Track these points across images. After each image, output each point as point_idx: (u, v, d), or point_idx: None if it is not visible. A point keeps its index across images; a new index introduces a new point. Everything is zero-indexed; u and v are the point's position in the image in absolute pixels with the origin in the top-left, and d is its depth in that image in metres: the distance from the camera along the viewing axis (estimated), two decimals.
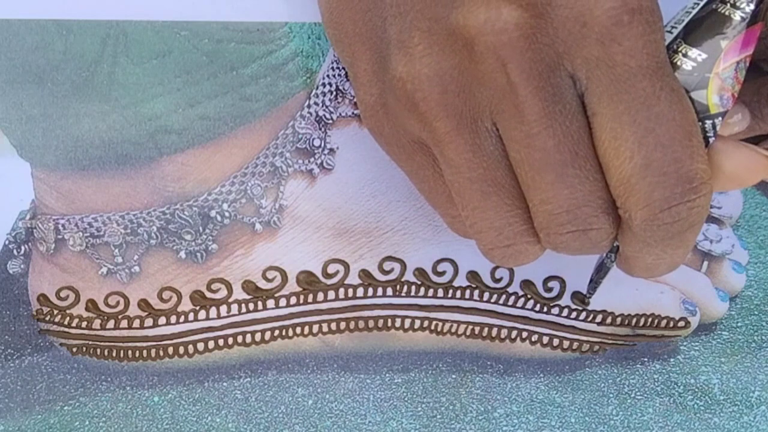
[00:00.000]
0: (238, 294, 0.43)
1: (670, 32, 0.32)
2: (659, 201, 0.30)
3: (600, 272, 0.38)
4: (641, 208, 0.30)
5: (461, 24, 0.30)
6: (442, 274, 0.43)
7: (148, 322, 0.43)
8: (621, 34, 0.29)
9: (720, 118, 0.32)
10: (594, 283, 0.39)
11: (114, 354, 0.44)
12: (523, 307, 0.43)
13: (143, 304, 0.43)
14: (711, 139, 0.32)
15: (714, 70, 0.31)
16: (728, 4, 0.31)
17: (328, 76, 0.44)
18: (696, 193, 0.30)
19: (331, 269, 0.43)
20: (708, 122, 0.32)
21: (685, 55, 0.31)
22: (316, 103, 0.43)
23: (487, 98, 0.31)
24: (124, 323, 0.43)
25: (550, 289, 0.43)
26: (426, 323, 0.43)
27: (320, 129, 0.43)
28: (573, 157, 0.30)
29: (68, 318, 0.43)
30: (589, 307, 0.43)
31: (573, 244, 0.32)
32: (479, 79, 0.31)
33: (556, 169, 0.31)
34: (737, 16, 0.31)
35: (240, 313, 0.43)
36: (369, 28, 0.33)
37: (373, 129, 0.35)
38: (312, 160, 0.43)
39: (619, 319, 0.43)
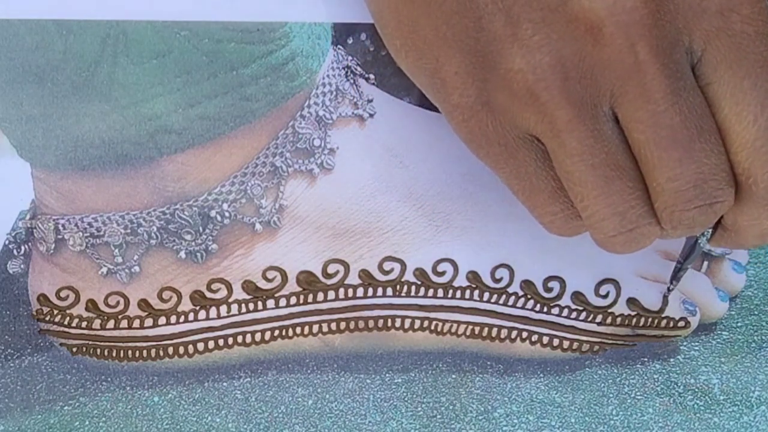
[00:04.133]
0: (238, 294, 0.43)
1: None
2: None
3: (691, 255, 0.38)
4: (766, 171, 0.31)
5: (586, 8, 0.31)
6: (442, 274, 0.43)
7: (148, 322, 0.43)
8: (739, 3, 0.30)
9: None
10: (681, 269, 0.39)
11: (114, 354, 0.44)
12: (523, 307, 0.43)
13: (143, 304, 0.43)
14: None
15: None
16: None
17: (328, 76, 0.44)
18: None
19: (331, 269, 0.43)
20: None
21: None
22: (316, 103, 0.43)
23: (609, 82, 0.31)
24: (124, 323, 0.43)
25: (550, 289, 0.43)
26: (426, 323, 0.43)
27: (320, 129, 0.43)
28: (699, 131, 0.31)
29: (68, 318, 0.43)
30: (590, 307, 0.43)
31: (699, 219, 0.33)
32: (603, 62, 0.31)
33: (683, 144, 0.31)
34: None
35: (240, 313, 0.43)
36: (457, 30, 0.33)
37: (473, 130, 0.34)
38: (312, 160, 0.43)
39: (619, 319, 0.43)
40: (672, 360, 0.44)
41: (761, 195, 0.32)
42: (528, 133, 0.33)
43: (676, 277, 0.41)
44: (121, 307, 0.43)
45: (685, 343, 0.44)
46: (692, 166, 0.31)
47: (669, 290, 0.42)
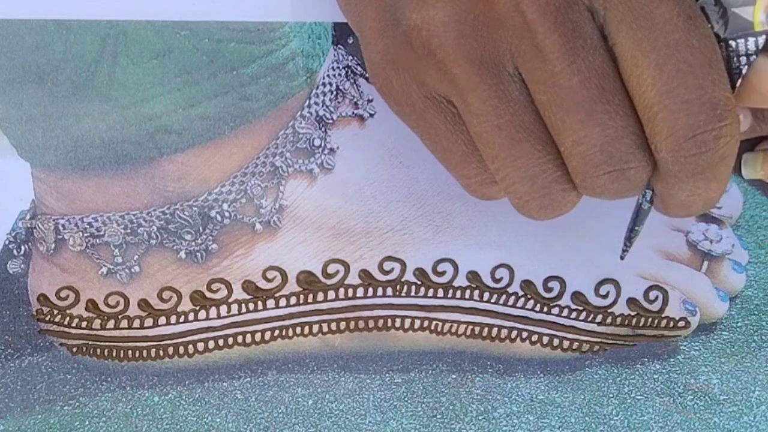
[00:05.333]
0: (238, 294, 0.43)
1: None
2: (683, 129, 0.30)
3: (637, 218, 0.36)
4: (666, 137, 0.30)
5: None
6: (442, 274, 0.43)
7: (148, 322, 0.43)
8: None
9: (763, 37, 0.31)
10: (631, 231, 0.37)
11: (114, 354, 0.44)
12: (523, 307, 0.43)
13: (143, 304, 0.43)
14: (752, 57, 0.31)
15: None
16: None
17: (328, 76, 0.44)
18: (721, 121, 0.30)
19: (331, 269, 0.43)
20: (751, 40, 0.31)
21: None
22: (316, 103, 0.43)
23: (506, 41, 0.30)
24: (124, 323, 0.43)
25: (550, 289, 0.43)
26: (426, 323, 0.43)
27: (320, 129, 0.43)
28: (600, 92, 0.30)
29: (68, 318, 0.43)
30: (590, 306, 0.43)
31: (611, 186, 0.31)
32: (497, 21, 0.30)
33: (584, 106, 0.30)
34: None
35: (240, 313, 0.43)
36: None
37: (381, 88, 0.34)
38: (312, 160, 0.43)
39: (619, 319, 0.43)
40: (672, 360, 0.44)
41: (666, 165, 0.31)
42: (437, 93, 0.33)
43: (628, 240, 0.38)
44: (121, 307, 0.43)
45: (685, 343, 0.44)
46: (596, 128, 0.30)
47: (622, 256, 0.39)
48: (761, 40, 0.31)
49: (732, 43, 0.31)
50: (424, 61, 0.31)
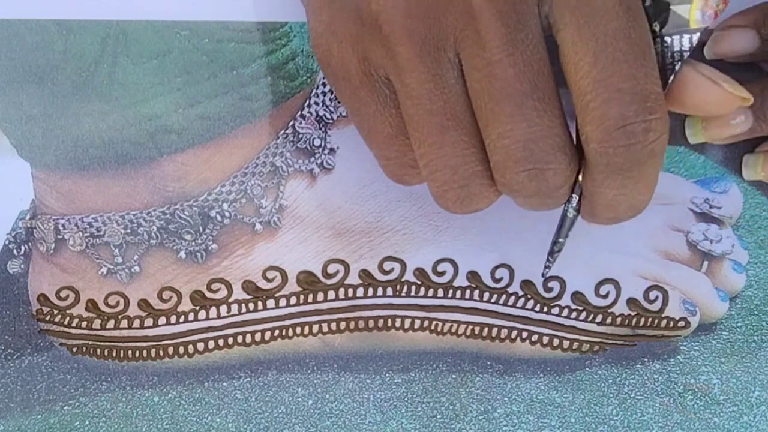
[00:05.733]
0: (238, 294, 0.43)
1: None
2: (614, 118, 0.30)
3: (562, 228, 0.36)
4: (596, 127, 0.30)
5: None
6: (442, 274, 0.43)
7: (148, 322, 0.43)
8: None
9: (698, 34, 0.32)
10: (554, 244, 0.36)
11: (114, 354, 0.44)
12: (523, 307, 0.43)
13: (143, 304, 0.43)
14: (686, 54, 0.32)
15: None
16: None
17: None
18: (651, 114, 0.30)
19: (331, 269, 0.43)
20: (686, 37, 0.31)
21: None
22: (316, 103, 0.43)
23: (452, 25, 0.30)
24: (124, 323, 0.43)
25: (550, 289, 0.43)
26: (426, 323, 0.43)
27: (320, 129, 0.43)
28: (533, 88, 0.30)
29: (68, 318, 0.43)
30: (590, 306, 0.43)
31: (529, 185, 0.31)
32: (446, 4, 0.30)
33: (515, 99, 0.30)
34: None
35: (240, 313, 0.43)
36: None
37: (321, 58, 0.34)
38: (312, 159, 0.43)
39: (619, 319, 0.43)
40: (672, 360, 0.44)
41: (596, 157, 0.31)
42: (376, 71, 0.33)
43: (551, 252, 0.37)
44: (121, 307, 0.43)
45: (685, 343, 0.44)
46: (522, 124, 0.30)
47: (544, 272, 0.39)
48: (695, 37, 0.31)
49: (667, 39, 0.31)
50: (369, 35, 0.32)
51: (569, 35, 0.30)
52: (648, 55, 0.30)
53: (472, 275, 0.43)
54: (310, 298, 0.43)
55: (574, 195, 0.33)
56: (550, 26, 0.31)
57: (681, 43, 0.32)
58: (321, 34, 0.33)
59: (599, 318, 0.43)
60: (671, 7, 0.31)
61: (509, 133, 0.31)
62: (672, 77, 0.32)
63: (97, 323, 0.43)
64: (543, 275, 0.38)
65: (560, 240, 0.36)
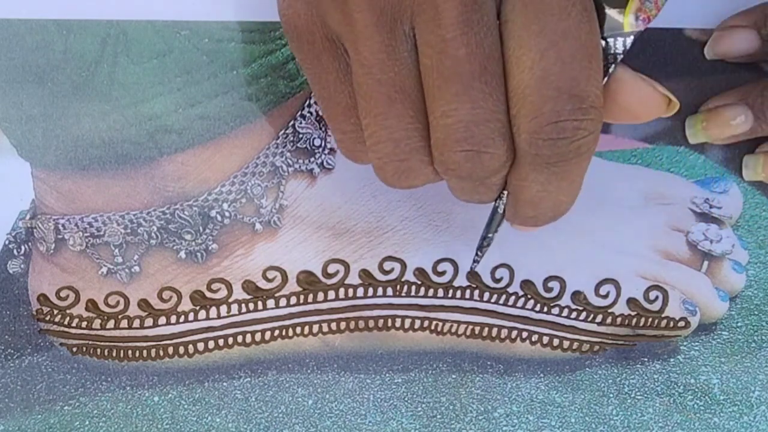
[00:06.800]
0: (238, 294, 0.43)
1: None
2: (548, 114, 0.30)
3: (491, 223, 0.36)
4: (530, 119, 0.30)
5: None
6: (442, 274, 0.43)
7: (148, 322, 0.43)
8: None
9: (631, 38, 0.32)
10: (484, 239, 0.37)
11: (114, 354, 0.44)
12: (523, 307, 0.43)
13: (143, 304, 0.43)
14: (619, 57, 0.32)
15: None
16: None
17: None
18: (584, 114, 0.30)
19: (331, 269, 0.43)
20: (619, 40, 0.32)
21: None
22: (316, 103, 0.43)
23: None
24: (124, 323, 0.43)
25: (550, 289, 0.43)
26: (426, 323, 0.43)
27: (321, 128, 0.43)
28: (481, 70, 0.30)
29: (68, 318, 0.43)
30: (590, 306, 0.43)
31: (465, 166, 0.32)
32: None
33: (463, 79, 0.30)
34: None
35: (240, 313, 0.43)
36: None
37: (287, 21, 0.34)
38: (312, 159, 0.43)
39: (619, 319, 0.43)
40: (672, 360, 0.44)
41: (525, 147, 0.31)
42: (336, 38, 0.33)
43: (480, 247, 0.38)
44: (121, 307, 0.43)
45: (685, 343, 0.44)
46: (467, 105, 0.31)
47: (472, 266, 0.40)
48: (629, 41, 0.32)
49: (602, 42, 0.32)
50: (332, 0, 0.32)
51: (516, 28, 0.30)
52: (595, 57, 0.30)
53: (472, 275, 0.43)
54: (310, 298, 0.43)
55: (505, 191, 0.34)
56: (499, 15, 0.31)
57: (615, 45, 0.32)
58: None
59: (599, 318, 0.43)
60: (606, 9, 0.32)
61: (453, 112, 0.31)
62: (606, 79, 0.32)
63: (97, 323, 0.43)
64: (471, 269, 0.39)
65: (489, 235, 0.37)
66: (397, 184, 0.34)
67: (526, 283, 0.43)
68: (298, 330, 0.43)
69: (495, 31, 0.30)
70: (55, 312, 0.44)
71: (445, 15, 0.30)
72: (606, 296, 0.43)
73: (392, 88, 0.32)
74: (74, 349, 0.44)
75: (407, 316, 0.43)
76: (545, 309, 0.43)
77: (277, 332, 0.43)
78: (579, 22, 0.30)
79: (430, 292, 0.43)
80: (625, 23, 0.32)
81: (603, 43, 0.32)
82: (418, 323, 0.43)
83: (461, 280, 0.43)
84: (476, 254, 0.38)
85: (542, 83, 0.30)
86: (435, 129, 0.32)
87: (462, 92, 0.30)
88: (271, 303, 0.43)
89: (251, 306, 0.43)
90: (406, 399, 0.43)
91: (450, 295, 0.43)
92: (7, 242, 0.45)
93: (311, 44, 0.33)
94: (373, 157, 0.33)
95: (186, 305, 0.43)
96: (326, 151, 0.43)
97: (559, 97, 0.30)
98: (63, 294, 0.43)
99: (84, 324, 0.43)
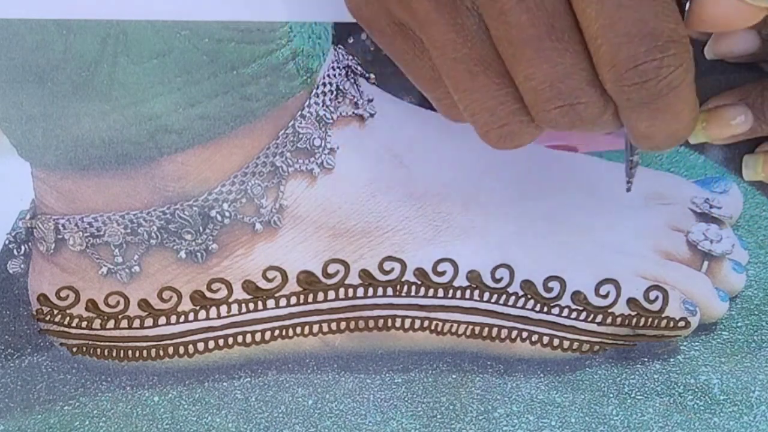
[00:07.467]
0: (238, 294, 0.43)
1: None
2: (624, 60, 0.30)
3: (632, 146, 0.37)
4: (608, 69, 0.30)
5: None
6: (442, 274, 0.43)
7: (148, 322, 0.43)
8: None
9: None
10: (630, 162, 0.37)
11: (114, 354, 0.44)
12: (523, 307, 0.43)
13: (143, 304, 0.43)
14: None
15: None
16: None
17: (328, 75, 0.44)
18: (663, 51, 0.30)
19: (331, 269, 0.43)
20: None
21: None
22: (316, 103, 0.43)
23: None
24: (124, 323, 0.43)
25: (550, 289, 0.43)
26: (426, 323, 0.43)
27: (321, 128, 0.43)
28: (549, 30, 0.30)
29: (68, 318, 0.43)
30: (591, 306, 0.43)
31: (563, 120, 0.32)
32: None
33: (532, 44, 0.30)
34: None
35: (240, 313, 0.43)
36: None
37: (354, 14, 0.34)
38: (312, 159, 0.43)
39: (619, 319, 0.43)
40: (672, 360, 0.44)
41: (615, 95, 0.31)
42: (402, 23, 0.33)
43: (628, 170, 0.38)
44: (121, 307, 0.43)
45: (685, 343, 0.44)
46: (544, 65, 0.31)
47: (627, 188, 0.40)
48: None
49: None
50: None
51: None
52: None
53: (473, 275, 0.43)
54: (310, 298, 0.43)
55: None
56: None
57: None
58: None
59: (599, 318, 0.43)
60: None
61: (533, 75, 0.31)
62: (687, 6, 0.32)
63: (97, 323, 0.43)
64: (627, 190, 0.39)
65: (633, 157, 0.37)
66: (505, 146, 0.34)
67: (526, 283, 0.43)
68: (298, 330, 0.43)
69: None
70: (55, 312, 0.44)
71: None
72: (606, 296, 0.43)
73: (470, 62, 0.32)
74: (74, 349, 0.44)
75: (407, 316, 0.43)
76: (545, 309, 0.43)
77: (277, 332, 0.43)
78: None
79: (430, 292, 0.43)
80: None
81: None
82: (418, 323, 0.43)
83: (461, 280, 0.43)
84: (627, 177, 0.38)
85: (610, 31, 0.30)
86: (523, 92, 0.32)
87: (535, 56, 0.31)
88: (271, 303, 0.43)
89: (251, 306, 0.43)
90: (406, 399, 0.43)
91: (450, 295, 0.43)
92: (7, 242, 0.45)
93: (380, 31, 0.34)
94: (475, 127, 0.34)
95: (186, 305, 0.43)
96: (326, 151, 0.43)
97: (630, 41, 0.30)
98: (63, 294, 0.43)
99: (84, 324, 0.43)
